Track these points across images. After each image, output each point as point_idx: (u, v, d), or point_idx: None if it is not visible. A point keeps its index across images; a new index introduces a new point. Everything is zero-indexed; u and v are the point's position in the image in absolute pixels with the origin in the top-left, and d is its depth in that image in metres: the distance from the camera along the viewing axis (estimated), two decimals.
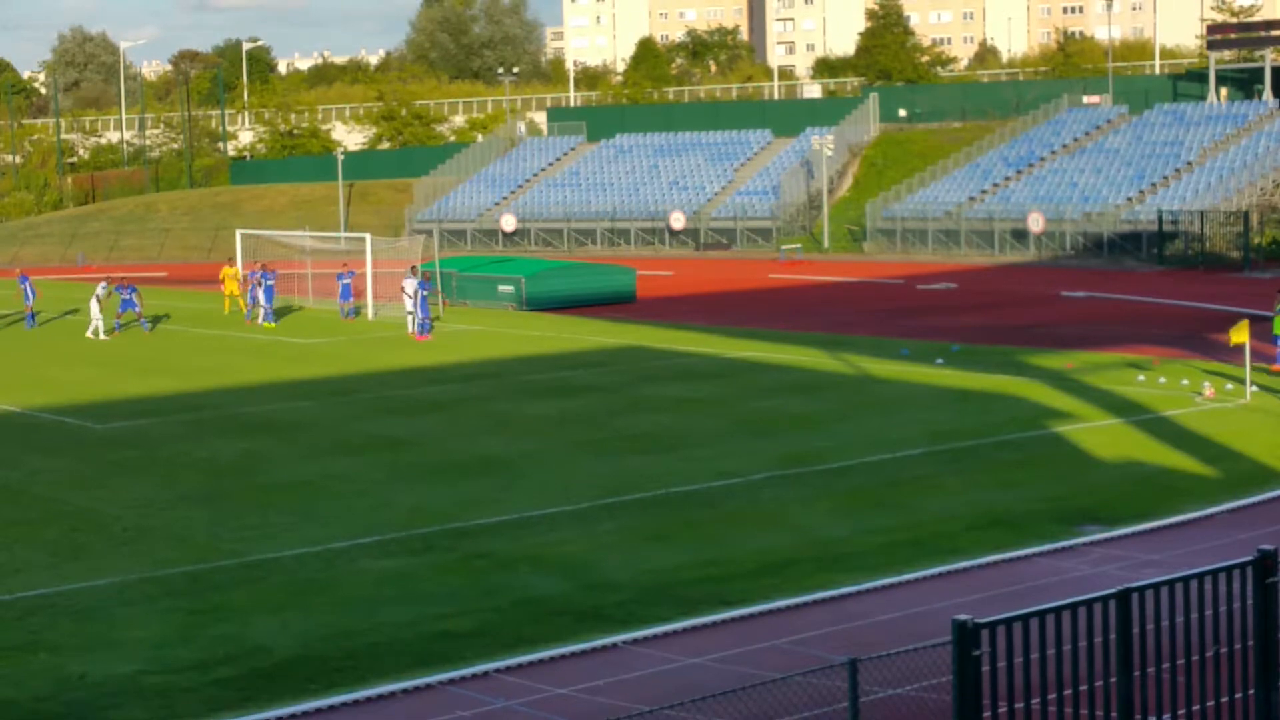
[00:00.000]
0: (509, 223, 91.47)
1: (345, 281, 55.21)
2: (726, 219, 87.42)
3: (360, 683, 16.74)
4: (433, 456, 29.52)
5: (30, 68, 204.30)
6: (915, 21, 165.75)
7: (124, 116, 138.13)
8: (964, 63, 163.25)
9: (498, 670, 17.04)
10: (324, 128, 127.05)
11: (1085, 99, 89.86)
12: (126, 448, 31.14)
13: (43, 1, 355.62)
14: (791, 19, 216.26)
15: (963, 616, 11.68)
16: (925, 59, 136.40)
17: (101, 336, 50.87)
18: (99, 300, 51.79)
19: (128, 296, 53.03)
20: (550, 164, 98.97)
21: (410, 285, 50.01)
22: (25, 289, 54.84)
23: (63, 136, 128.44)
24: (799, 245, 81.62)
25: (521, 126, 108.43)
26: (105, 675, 17.16)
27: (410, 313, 49.91)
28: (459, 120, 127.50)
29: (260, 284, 54.15)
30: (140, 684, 16.87)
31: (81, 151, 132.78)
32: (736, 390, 36.70)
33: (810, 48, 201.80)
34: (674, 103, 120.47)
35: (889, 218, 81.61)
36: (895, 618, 18.65)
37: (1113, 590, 12.53)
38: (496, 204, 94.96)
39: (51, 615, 19.51)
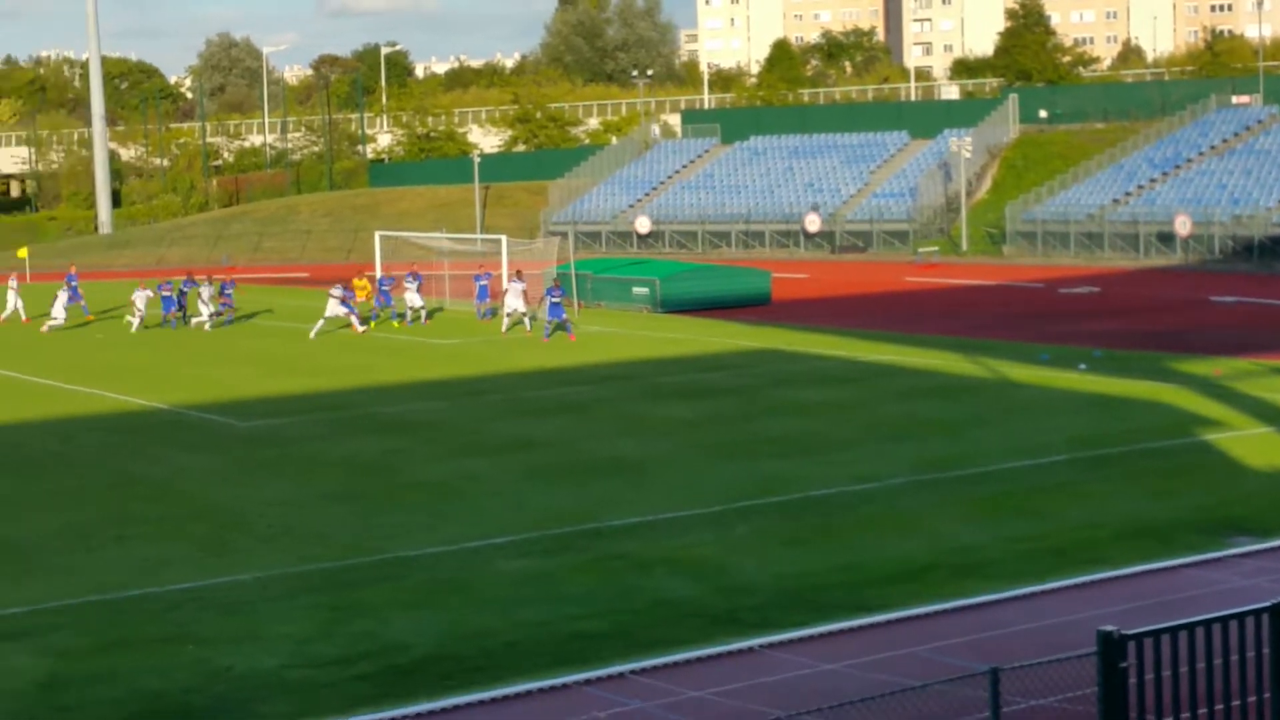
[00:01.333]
0: (643, 225, 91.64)
1: (482, 283, 55.68)
2: (862, 221, 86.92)
3: (496, 681, 16.84)
4: (567, 457, 29.64)
5: (177, 73, 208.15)
6: (1056, 21, 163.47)
7: (266, 120, 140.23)
8: (1107, 62, 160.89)
9: (633, 672, 17.06)
10: (460, 131, 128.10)
11: (1234, 99, 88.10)
12: (269, 446, 31.61)
13: (189, 9, 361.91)
14: (929, 19, 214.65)
15: (1108, 627, 11.51)
16: (1066, 59, 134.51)
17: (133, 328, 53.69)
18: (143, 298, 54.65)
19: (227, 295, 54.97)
20: (684, 166, 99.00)
21: (516, 287, 51.23)
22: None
23: (208, 140, 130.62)
24: (936, 248, 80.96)
25: (655, 129, 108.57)
26: (250, 669, 17.43)
27: (509, 314, 50.80)
28: (593, 123, 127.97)
29: (402, 287, 54.53)
30: (284, 678, 17.12)
31: (226, 155, 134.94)
32: (872, 394, 36.48)
33: (948, 48, 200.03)
34: (809, 105, 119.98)
35: (1029, 220, 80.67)
36: (1036, 627, 18.40)
37: (1266, 604, 12.24)
38: (631, 206, 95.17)
39: (198, 609, 19.85)
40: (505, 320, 51.31)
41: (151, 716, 15.96)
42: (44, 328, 54.85)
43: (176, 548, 23.16)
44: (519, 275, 52.51)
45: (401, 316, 54.82)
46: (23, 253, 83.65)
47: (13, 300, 58.33)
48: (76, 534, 24.13)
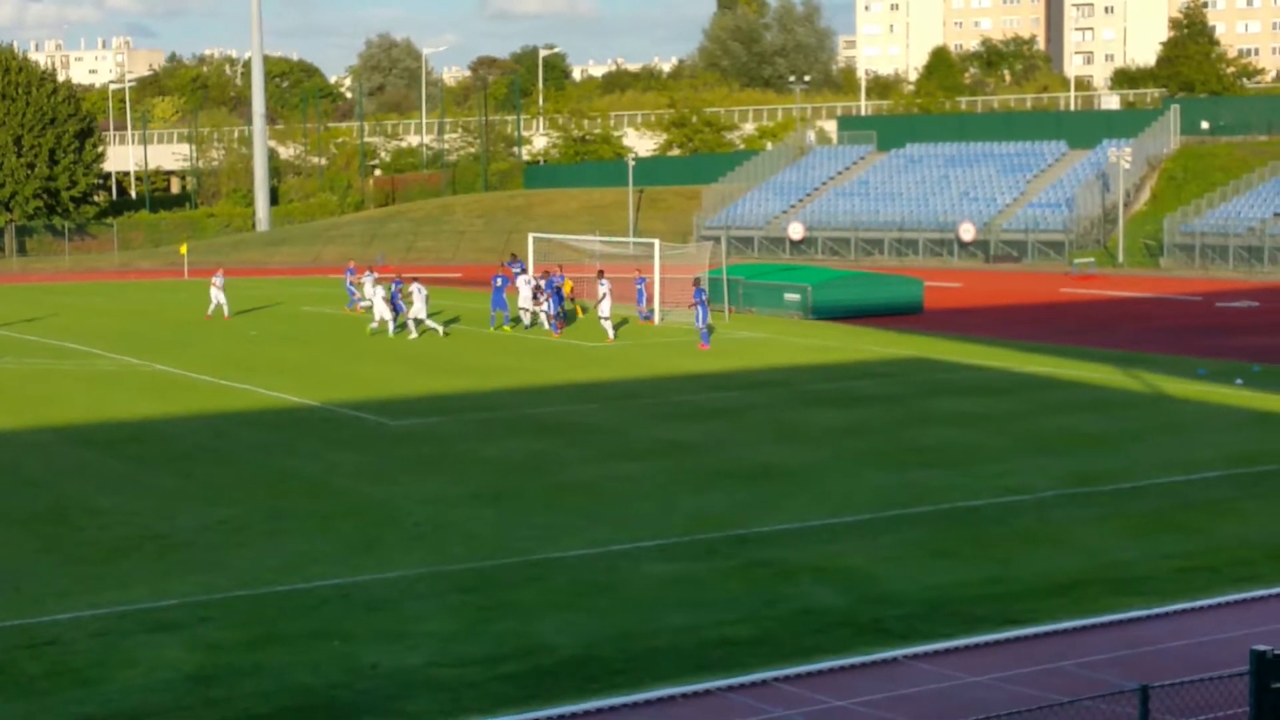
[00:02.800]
0: (796, 231, 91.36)
1: (640, 286, 55.92)
2: (1018, 231, 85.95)
3: (640, 685, 16.84)
4: (716, 462, 29.59)
5: (337, 73, 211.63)
6: (1221, 31, 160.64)
7: (424, 121, 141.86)
8: (1271, 74, 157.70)
9: (776, 679, 16.97)
10: (616, 134, 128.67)
11: None
12: (420, 444, 31.92)
13: (351, 9, 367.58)
14: (1090, 29, 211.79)
15: (1261, 647, 11.24)
16: (1230, 70, 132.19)
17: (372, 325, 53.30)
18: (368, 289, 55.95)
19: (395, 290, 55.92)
20: (839, 173, 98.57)
21: (603, 287, 51.60)
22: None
23: (366, 140, 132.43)
24: (1092, 259, 79.78)
25: (811, 135, 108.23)
26: (396, 666, 17.59)
27: (605, 318, 51.17)
28: (749, 128, 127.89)
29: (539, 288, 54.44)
30: (429, 676, 17.25)
31: (383, 154, 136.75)
32: (1025, 406, 36.02)
33: (1109, 58, 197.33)
34: (966, 113, 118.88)
35: (1188, 233, 79.26)
36: (1187, 645, 18.05)
37: None
38: (784, 212, 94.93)
39: (346, 605, 20.08)
40: (525, 317, 53.54)
41: (299, 711, 16.16)
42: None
43: (326, 544, 23.46)
44: (547, 274, 54.08)
45: (515, 321, 55.00)
46: (183, 248, 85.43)
47: (215, 296, 59.30)
48: (229, 528, 24.54)
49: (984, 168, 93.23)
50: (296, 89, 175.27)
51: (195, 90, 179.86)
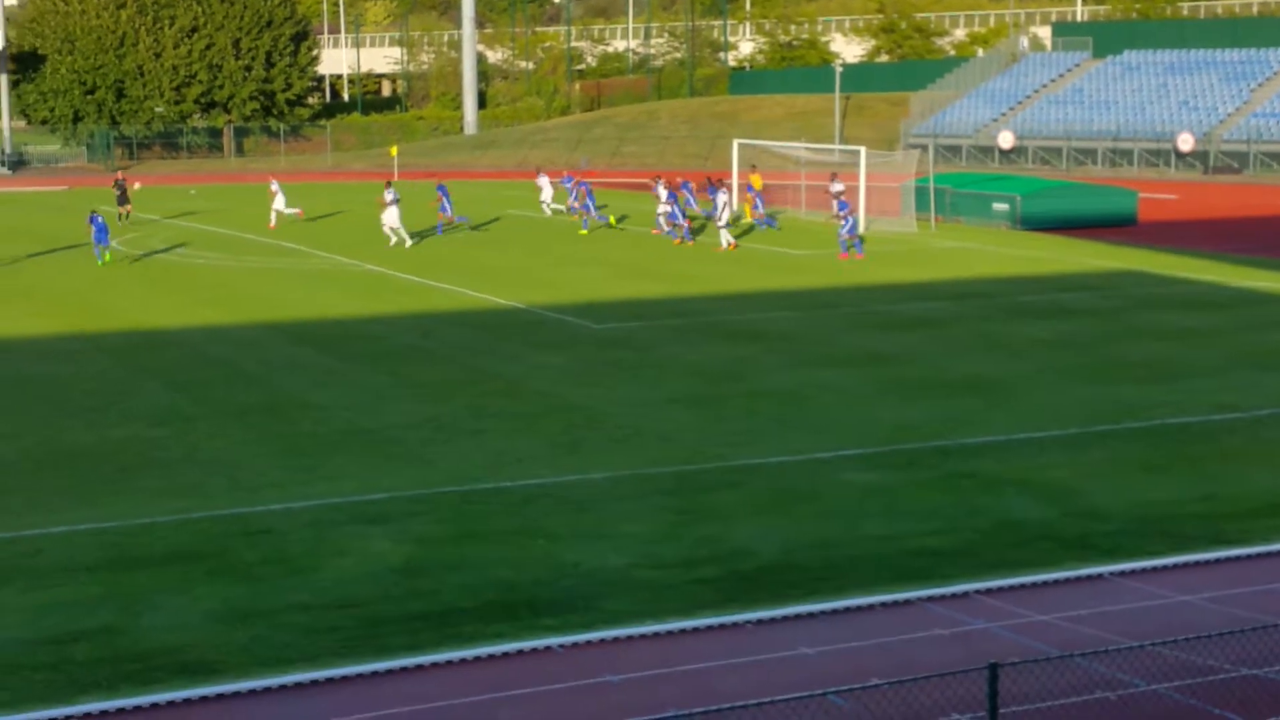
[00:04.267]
0: (1006, 140, 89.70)
1: (568, 187, 58.82)
2: (1239, 141, 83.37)
3: (839, 592, 16.79)
4: (919, 373, 29.31)
5: None
6: None
7: (630, 25, 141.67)
8: None
9: (978, 591, 16.82)
10: (823, 39, 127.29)
11: None
12: (621, 348, 32.09)
13: None
14: None
15: None
16: None
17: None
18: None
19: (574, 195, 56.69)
20: (1052, 80, 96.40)
21: (662, 192, 52.24)
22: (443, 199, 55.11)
23: (572, 45, 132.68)
24: None
25: (1024, 41, 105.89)
26: (597, 566, 17.78)
27: (724, 226, 50.32)
28: (959, 34, 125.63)
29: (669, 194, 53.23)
30: (629, 577, 17.40)
31: (589, 59, 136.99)
32: (1241, 321, 35.06)
33: None
34: (1188, 19, 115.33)
35: None
36: None
37: None
38: (994, 120, 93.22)
39: (549, 505, 20.32)
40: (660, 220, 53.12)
41: (502, 606, 16.42)
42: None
43: (530, 443, 23.74)
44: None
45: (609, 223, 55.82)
46: (393, 150, 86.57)
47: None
48: (435, 426, 24.95)
49: (1205, 76, 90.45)
50: None
51: None
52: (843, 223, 47.93)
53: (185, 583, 17.17)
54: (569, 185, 60.75)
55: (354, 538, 18.79)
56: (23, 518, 19.74)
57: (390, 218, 51.28)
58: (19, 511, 20.05)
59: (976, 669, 11.09)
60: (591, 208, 56.84)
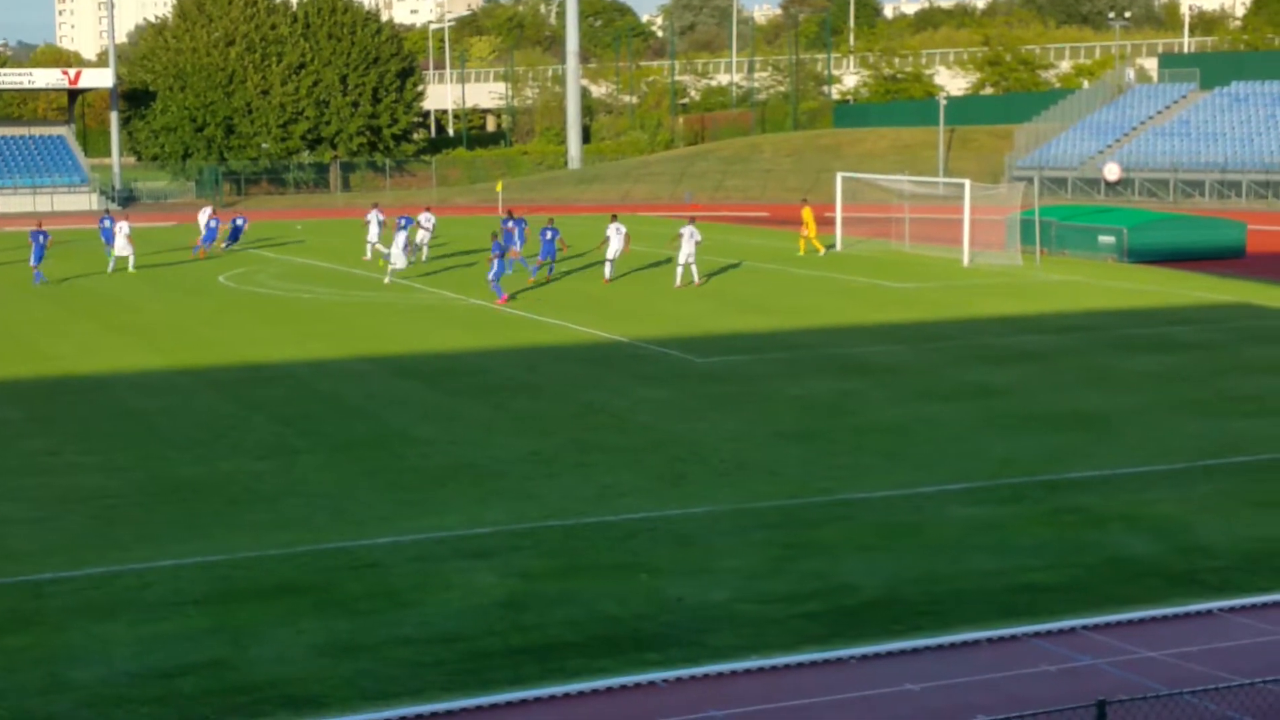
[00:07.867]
0: (1112, 172, 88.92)
1: (514, 227, 53.91)
2: None
3: (944, 628, 16.70)
4: (1025, 407, 29.11)
5: (649, 12, 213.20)
6: None
7: (734, 59, 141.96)
8: None
9: (1085, 627, 16.66)
10: (927, 72, 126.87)
11: None
12: (725, 382, 32.09)
13: None
14: None
15: None
16: None
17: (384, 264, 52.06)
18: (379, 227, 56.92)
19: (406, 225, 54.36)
20: (1159, 112, 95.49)
21: (687, 230, 49.15)
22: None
23: (676, 78, 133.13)
24: None
25: (1130, 73, 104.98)
26: (700, 600, 17.78)
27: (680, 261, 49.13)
28: (1064, 66, 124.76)
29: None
30: (733, 612, 17.39)
31: (693, 93, 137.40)
32: None
33: None
34: None
35: None
36: None
37: None
38: (1100, 152, 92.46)
39: (652, 539, 20.35)
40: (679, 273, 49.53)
41: (606, 641, 16.46)
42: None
43: (633, 477, 23.79)
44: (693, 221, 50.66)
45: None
46: (499, 185, 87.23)
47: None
48: (539, 460, 25.06)
49: None
50: (609, 28, 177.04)
51: (511, 30, 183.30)
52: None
53: (291, 616, 17.36)
54: (507, 225, 54.67)
55: (458, 572, 18.91)
56: (131, 551, 20.02)
57: (374, 236, 57.38)
58: (128, 545, 20.34)
59: (1084, 706, 11.00)
60: (519, 252, 52.87)
